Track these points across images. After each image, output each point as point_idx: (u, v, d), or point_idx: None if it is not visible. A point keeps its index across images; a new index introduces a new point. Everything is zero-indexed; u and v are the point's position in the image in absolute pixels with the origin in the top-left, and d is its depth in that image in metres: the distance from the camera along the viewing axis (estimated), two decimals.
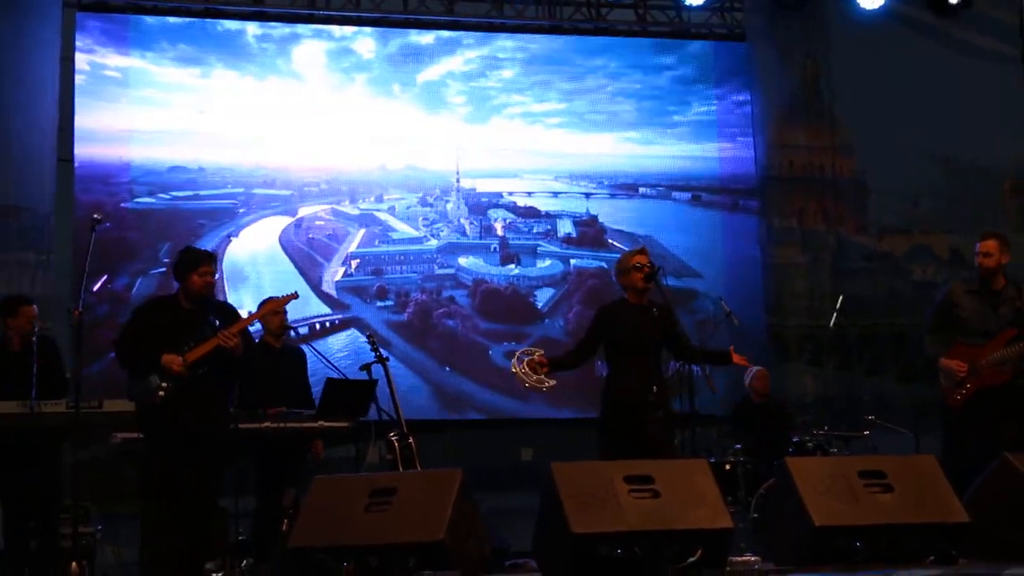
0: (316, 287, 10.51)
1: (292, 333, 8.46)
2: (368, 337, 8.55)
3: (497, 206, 11.21)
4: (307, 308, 10.36)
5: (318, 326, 10.34)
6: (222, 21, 10.97)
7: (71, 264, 9.87)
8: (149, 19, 10.80)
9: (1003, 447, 6.62)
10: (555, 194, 11.42)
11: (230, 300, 10.08)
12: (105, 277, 10.12)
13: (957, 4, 11.51)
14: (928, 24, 11.80)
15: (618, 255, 10.91)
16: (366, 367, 8.31)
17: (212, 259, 6.70)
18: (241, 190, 10.72)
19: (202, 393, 6.47)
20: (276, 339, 8.27)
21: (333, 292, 10.55)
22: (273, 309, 7.48)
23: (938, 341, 7.36)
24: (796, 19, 11.71)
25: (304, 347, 8.63)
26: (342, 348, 10.25)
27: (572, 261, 11.20)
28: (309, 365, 8.40)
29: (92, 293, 9.85)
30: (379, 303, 10.53)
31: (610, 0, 11.73)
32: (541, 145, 11.48)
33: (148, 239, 10.42)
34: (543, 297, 10.98)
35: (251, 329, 6.99)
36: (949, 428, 7.32)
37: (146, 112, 10.61)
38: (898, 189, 11.89)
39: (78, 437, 6.91)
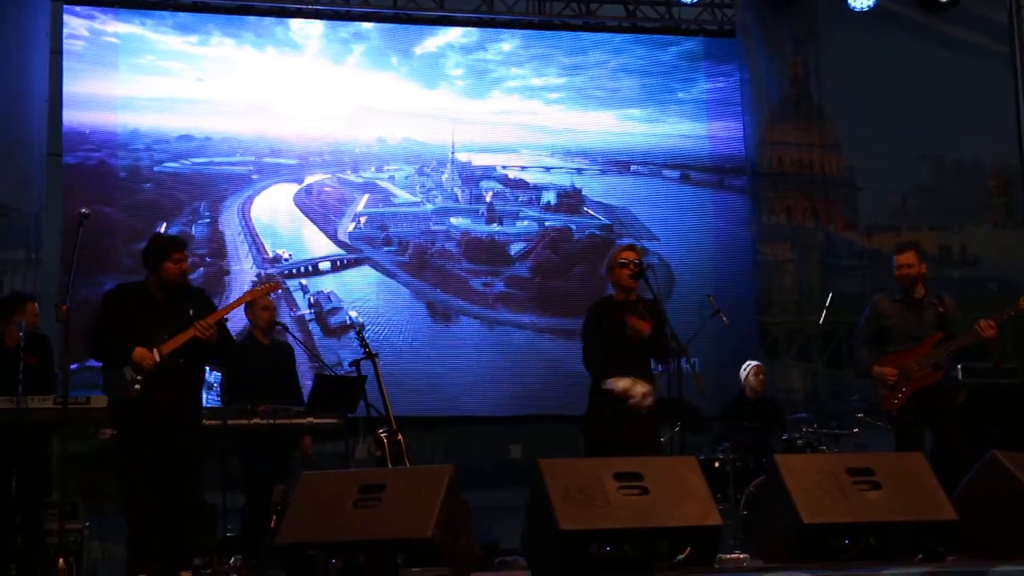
0: (333, 236, 11.19)
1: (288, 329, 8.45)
2: (357, 333, 8.55)
3: (489, 178, 11.67)
4: (326, 251, 11.13)
5: (338, 263, 11.11)
6: None
7: (60, 260, 9.84)
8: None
9: (947, 444, 7.20)
10: (547, 169, 11.74)
11: (265, 248, 10.83)
12: (164, 223, 10.54)
13: (945, 2, 11.51)
14: (916, 21, 11.80)
15: (588, 219, 11.54)
16: (355, 363, 8.31)
17: (184, 245, 6.58)
18: (252, 158, 11.07)
19: (177, 385, 6.37)
20: (265, 335, 8.26)
21: (348, 240, 11.20)
22: (249, 300, 7.42)
23: (868, 353, 7.61)
24: (785, 17, 11.71)
25: (293, 342, 8.63)
26: (361, 284, 11.11)
27: (546, 223, 11.67)
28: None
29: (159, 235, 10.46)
30: (385, 248, 11.29)
31: None
32: (538, 120, 11.72)
33: (187, 198, 10.82)
34: (515, 248, 11.63)
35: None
36: (898, 433, 7.50)
37: (145, 79, 10.76)
38: (886, 186, 11.90)
39: (65, 433, 6.88)
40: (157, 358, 6.28)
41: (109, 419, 6.71)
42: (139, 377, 6.27)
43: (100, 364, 6.59)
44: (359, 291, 11.00)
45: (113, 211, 10.44)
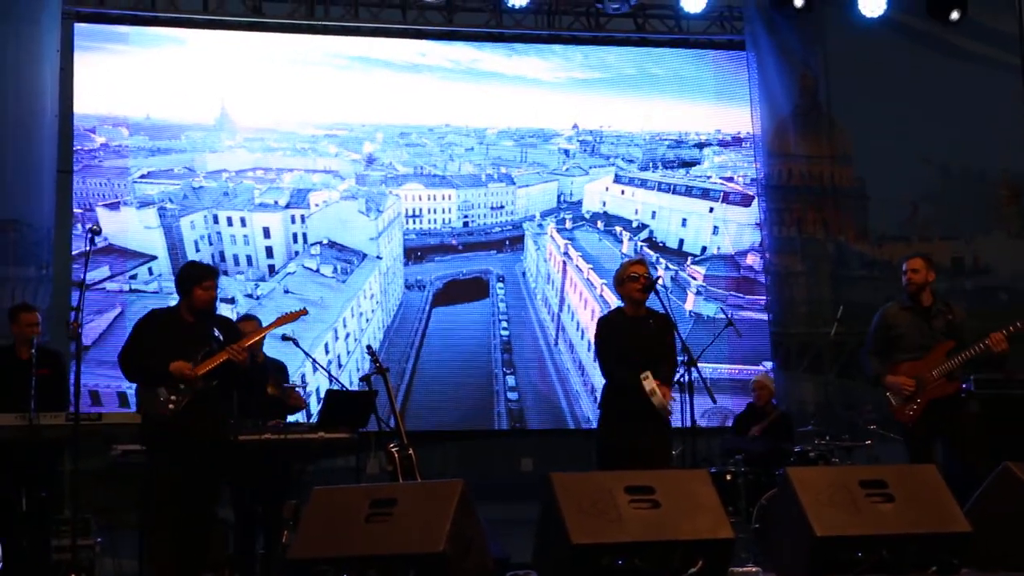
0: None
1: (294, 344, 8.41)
2: (367, 348, 8.54)
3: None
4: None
5: None
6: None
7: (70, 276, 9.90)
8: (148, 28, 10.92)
9: (963, 455, 7.09)
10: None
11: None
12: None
13: (955, 12, 11.48)
14: (926, 32, 11.79)
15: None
16: (366, 378, 8.30)
17: (215, 273, 6.81)
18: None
19: (209, 405, 6.58)
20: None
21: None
22: (286, 323, 7.42)
23: (879, 362, 7.53)
24: (795, 28, 11.69)
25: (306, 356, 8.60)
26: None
27: None
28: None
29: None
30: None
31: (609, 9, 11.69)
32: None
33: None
34: None
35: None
36: (911, 444, 7.44)
37: (158, 97, 10.84)
38: (897, 197, 11.88)
39: (76, 449, 6.90)
40: (194, 371, 6.46)
41: (141, 436, 6.80)
42: (173, 397, 6.45)
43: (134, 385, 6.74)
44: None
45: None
